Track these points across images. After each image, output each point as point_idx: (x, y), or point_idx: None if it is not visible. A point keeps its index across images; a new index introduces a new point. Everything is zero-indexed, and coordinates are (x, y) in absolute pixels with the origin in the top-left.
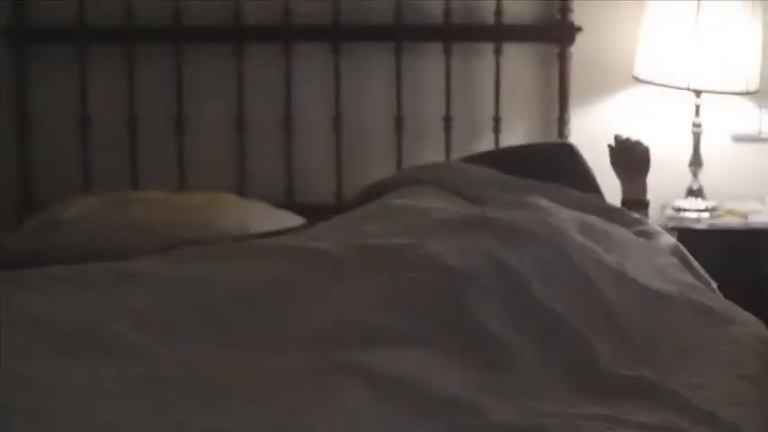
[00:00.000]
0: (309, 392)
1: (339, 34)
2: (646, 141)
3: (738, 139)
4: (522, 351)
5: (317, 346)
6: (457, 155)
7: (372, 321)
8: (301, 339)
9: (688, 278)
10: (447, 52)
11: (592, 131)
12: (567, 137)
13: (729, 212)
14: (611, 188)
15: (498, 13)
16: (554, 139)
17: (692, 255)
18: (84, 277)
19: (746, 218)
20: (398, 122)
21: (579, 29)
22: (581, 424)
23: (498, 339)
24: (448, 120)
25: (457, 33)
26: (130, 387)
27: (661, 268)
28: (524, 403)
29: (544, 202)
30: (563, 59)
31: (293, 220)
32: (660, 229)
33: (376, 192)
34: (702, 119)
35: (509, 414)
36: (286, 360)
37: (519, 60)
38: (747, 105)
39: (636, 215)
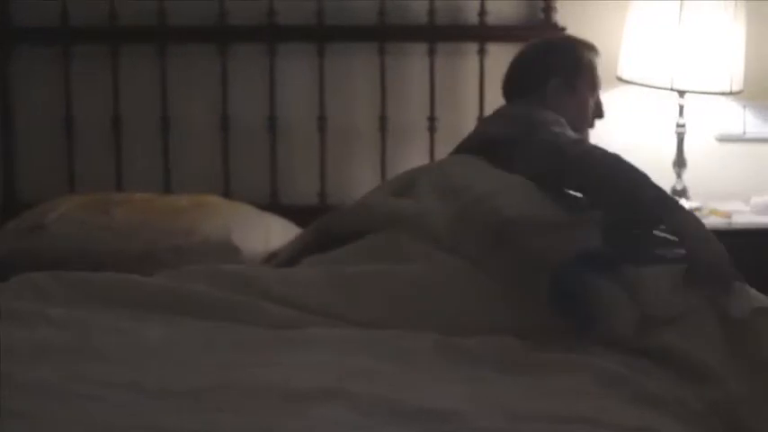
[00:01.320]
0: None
1: (323, 35)
2: (629, 141)
3: (722, 139)
4: None
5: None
6: (441, 155)
7: None
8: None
9: None
10: (431, 53)
11: None
12: None
13: (713, 213)
14: None
15: (482, 13)
16: None
17: None
18: None
19: (730, 218)
20: (383, 123)
21: (563, 29)
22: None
23: None
24: (432, 120)
25: (441, 34)
26: (114, 393)
27: None
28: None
29: None
30: None
31: (278, 224)
32: None
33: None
34: (686, 119)
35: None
36: (274, 380)
37: (503, 60)
38: (731, 105)
39: None
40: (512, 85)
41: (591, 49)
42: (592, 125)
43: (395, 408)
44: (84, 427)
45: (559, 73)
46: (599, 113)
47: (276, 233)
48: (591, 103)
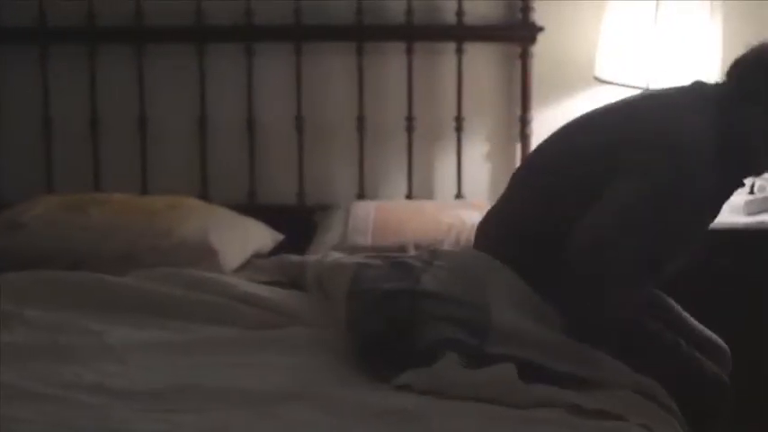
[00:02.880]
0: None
1: (301, 34)
2: None
3: None
4: None
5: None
6: (419, 155)
7: None
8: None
9: None
10: (409, 52)
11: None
12: (528, 136)
13: None
14: None
15: (460, 12)
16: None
17: None
18: None
19: None
20: (360, 122)
21: (541, 29)
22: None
23: None
24: (410, 120)
25: (419, 33)
26: (79, 395)
27: None
28: None
29: None
30: (525, 59)
31: (256, 227)
32: None
33: None
34: None
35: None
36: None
37: (481, 60)
38: None
39: None
40: (739, 74)
41: None
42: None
43: (361, 408)
44: (44, 428)
45: None
46: None
47: (254, 236)
48: None
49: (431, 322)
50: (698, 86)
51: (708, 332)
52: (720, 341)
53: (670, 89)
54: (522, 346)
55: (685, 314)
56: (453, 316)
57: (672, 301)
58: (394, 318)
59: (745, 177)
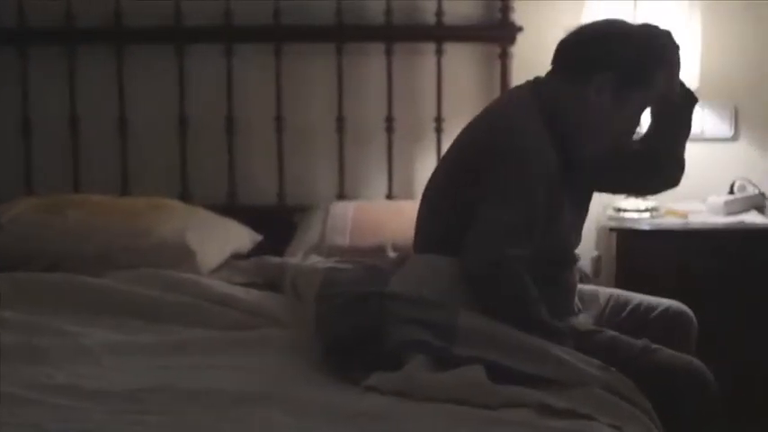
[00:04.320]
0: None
1: (280, 35)
2: None
3: None
4: None
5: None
6: (399, 155)
7: None
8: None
9: None
10: (389, 53)
11: None
12: None
13: (670, 213)
14: None
15: (439, 13)
16: None
17: (633, 255)
18: None
19: (687, 218)
20: (340, 123)
21: (520, 28)
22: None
23: None
24: (390, 120)
25: (398, 34)
26: (52, 396)
27: None
28: None
29: None
30: (504, 59)
31: (235, 228)
32: None
33: None
34: (644, 119)
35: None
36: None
37: (461, 60)
38: None
39: None
40: (561, 55)
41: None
42: (617, 142)
43: (332, 409)
44: (17, 431)
45: (619, 69)
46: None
47: (232, 237)
48: (636, 116)
49: (399, 324)
50: (530, 82)
51: (665, 302)
52: (682, 306)
53: (502, 96)
54: (490, 348)
55: (633, 294)
56: (421, 318)
57: (615, 292)
58: (362, 320)
59: (583, 154)
